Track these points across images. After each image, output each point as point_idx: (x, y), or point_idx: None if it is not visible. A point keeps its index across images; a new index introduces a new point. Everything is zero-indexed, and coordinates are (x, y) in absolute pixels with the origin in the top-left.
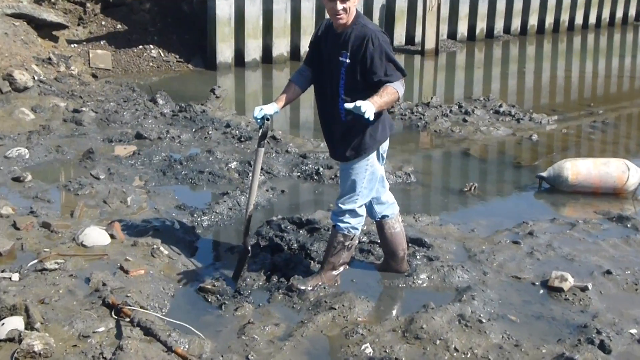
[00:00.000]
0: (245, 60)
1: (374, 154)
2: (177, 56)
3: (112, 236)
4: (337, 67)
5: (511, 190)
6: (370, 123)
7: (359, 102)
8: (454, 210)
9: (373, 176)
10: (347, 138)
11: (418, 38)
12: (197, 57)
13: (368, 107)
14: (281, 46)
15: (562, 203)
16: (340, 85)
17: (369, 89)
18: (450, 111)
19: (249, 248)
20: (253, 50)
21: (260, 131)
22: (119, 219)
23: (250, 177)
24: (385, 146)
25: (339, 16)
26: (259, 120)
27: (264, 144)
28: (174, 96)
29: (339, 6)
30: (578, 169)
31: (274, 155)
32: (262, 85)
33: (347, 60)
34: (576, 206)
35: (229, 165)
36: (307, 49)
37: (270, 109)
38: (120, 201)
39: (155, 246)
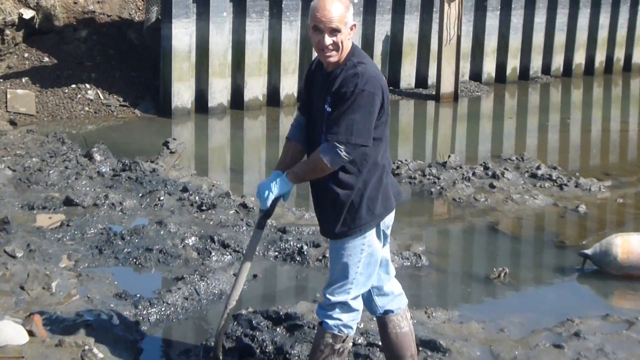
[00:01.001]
0: (209, 105)
1: (373, 231)
2: (121, 99)
3: (30, 333)
4: (322, 117)
5: (552, 278)
6: (366, 189)
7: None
8: (478, 303)
9: (372, 259)
10: (337, 209)
11: (432, 79)
12: (147, 101)
13: (271, 188)
14: (256, 88)
15: (616, 293)
16: (322, 140)
17: None
18: (473, 174)
19: (220, 357)
20: (219, 92)
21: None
22: (40, 310)
23: (240, 265)
24: (388, 220)
25: (327, 53)
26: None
27: (265, 225)
28: (115, 151)
29: (327, 40)
30: (630, 246)
31: (244, 228)
32: (231, 137)
33: (329, 109)
34: (634, 297)
35: (186, 241)
36: (294, 91)
37: (283, 186)
38: (42, 287)
39: (86, 347)
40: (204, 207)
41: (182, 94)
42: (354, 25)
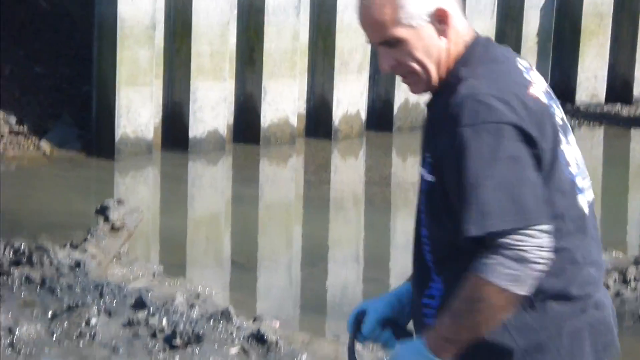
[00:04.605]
0: (191, 133)
1: None
2: (13, 120)
3: None
4: (420, 187)
5: None
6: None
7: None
8: None
9: None
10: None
11: None
12: (65, 124)
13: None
14: (285, 99)
15: None
16: (422, 232)
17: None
18: None
19: None
20: (211, 108)
21: None
22: None
23: None
24: None
25: (404, 80)
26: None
27: None
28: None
29: (384, 62)
30: None
31: None
32: (233, 198)
33: (430, 178)
34: None
35: None
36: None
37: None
38: None
39: None
40: (177, 342)
41: (138, 111)
42: (439, 10)
